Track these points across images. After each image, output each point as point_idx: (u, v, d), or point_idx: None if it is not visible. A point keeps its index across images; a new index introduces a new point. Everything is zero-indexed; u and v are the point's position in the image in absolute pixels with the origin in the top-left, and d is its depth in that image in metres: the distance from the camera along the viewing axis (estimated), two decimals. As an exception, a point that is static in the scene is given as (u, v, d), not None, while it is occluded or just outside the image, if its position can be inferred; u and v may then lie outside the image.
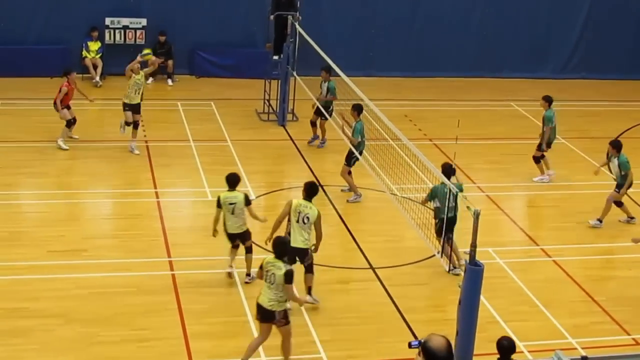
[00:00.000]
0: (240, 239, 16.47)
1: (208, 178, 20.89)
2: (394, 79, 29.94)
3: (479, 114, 26.94)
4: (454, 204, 16.34)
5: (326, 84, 23.00)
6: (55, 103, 22.23)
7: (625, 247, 19.10)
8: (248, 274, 16.53)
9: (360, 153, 19.88)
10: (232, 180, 16.30)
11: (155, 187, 20.44)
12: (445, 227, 16.11)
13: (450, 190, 15.15)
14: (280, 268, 13.34)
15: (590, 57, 31.86)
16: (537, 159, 22.60)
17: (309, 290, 15.87)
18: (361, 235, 18.82)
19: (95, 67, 27.59)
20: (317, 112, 23.24)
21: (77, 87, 22.62)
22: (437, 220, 17.36)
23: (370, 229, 19.23)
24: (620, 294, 17.26)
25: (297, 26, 24.57)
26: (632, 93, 30.47)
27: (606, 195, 20.23)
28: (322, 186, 20.92)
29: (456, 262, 17.17)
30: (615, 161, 20.11)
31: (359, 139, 19.69)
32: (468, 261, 12.75)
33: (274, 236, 14.48)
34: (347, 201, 20.26)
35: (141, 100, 22.26)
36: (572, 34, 31.86)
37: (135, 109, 22.11)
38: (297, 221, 15.39)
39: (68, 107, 22.37)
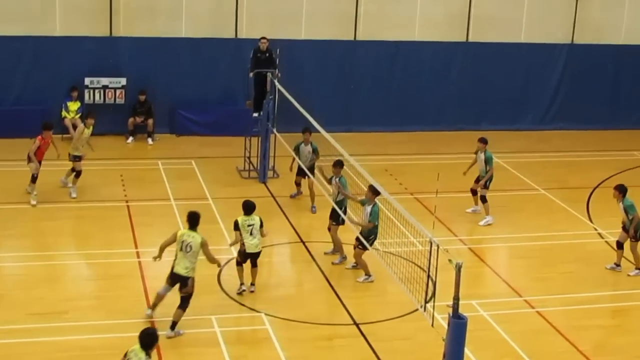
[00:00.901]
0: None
1: (189, 236, 20.80)
2: (374, 133, 30.06)
3: (459, 167, 26.92)
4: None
5: (309, 145, 22.99)
6: (28, 155, 22.43)
7: (608, 295, 19.13)
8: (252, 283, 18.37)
9: (345, 209, 19.93)
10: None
11: (137, 247, 20.36)
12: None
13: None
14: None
15: (568, 108, 32.12)
16: (484, 198, 23.07)
17: (173, 325, 16.39)
18: (344, 291, 18.76)
19: (75, 127, 27.48)
20: (300, 173, 23.23)
21: (52, 143, 22.74)
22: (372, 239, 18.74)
23: (353, 284, 19.17)
24: (604, 342, 17.26)
25: (277, 83, 24.68)
26: (611, 143, 30.65)
27: (590, 244, 20.30)
28: (304, 242, 20.94)
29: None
30: (620, 205, 20.27)
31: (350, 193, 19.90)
32: (451, 314, 12.73)
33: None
34: (333, 263, 20.07)
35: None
36: (550, 85, 32.14)
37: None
38: (181, 249, 16.45)
39: (39, 163, 22.46)
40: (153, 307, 17.05)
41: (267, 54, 26.27)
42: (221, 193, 23.91)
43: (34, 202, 22.33)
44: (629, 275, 20.15)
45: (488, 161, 23.08)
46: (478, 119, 31.26)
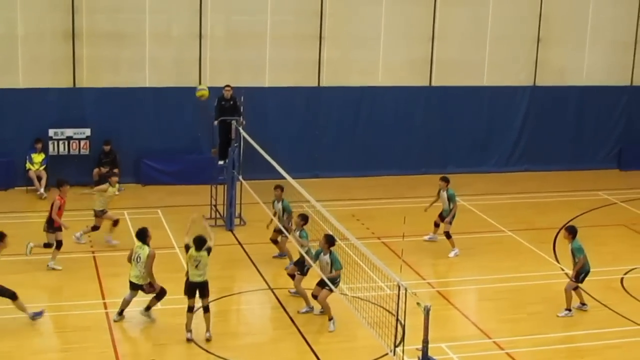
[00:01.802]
0: None
1: (157, 286, 20.70)
2: (340, 179, 30.14)
3: (421, 210, 27.04)
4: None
5: (280, 203, 22.79)
6: (48, 222, 21.76)
7: (577, 335, 19.17)
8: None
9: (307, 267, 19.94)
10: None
11: (104, 298, 20.21)
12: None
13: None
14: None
15: (533, 149, 32.39)
16: (448, 234, 23.53)
17: (147, 307, 18.99)
18: (314, 337, 18.69)
19: (39, 179, 27.47)
20: (278, 230, 22.97)
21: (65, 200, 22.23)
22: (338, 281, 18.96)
23: (322, 331, 19.10)
24: (574, 383, 17.31)
25: (242, 130, 24.71)
26: (576, 183, 30.88)
27: (558, 284, 20.33)
28: (272, 289, 20.85)
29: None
30: (569, 247, 20.32)
31: (309, 248, 19.80)
32: (421, 357, 12.71)
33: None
34: (298, 312, 19.97)
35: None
36: (514, 127, 32.41)
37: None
38: (132, 259, 18.72)
39: (59, 228, 21.85)
40: (120, 312, 19.00)
41: (232, 102, 26.33)
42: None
43: (59, 267, 21.95)
44: (558, 316, 20.09)
45: (451, 198, 23.78)
46: (444, 162, 31.42)
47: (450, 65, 31.38)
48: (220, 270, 21.82)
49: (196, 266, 18.01)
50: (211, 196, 25.74)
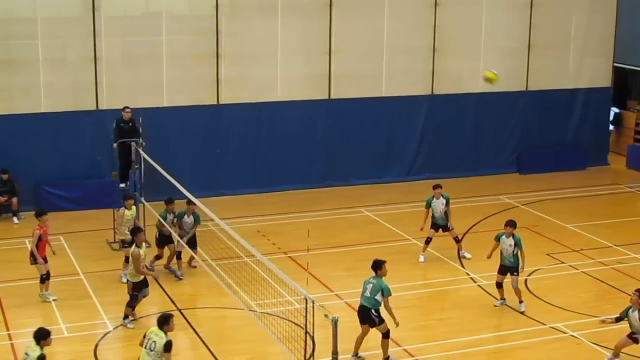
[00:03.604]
0: None
1: (62, 314, 20.37)
2: (244, 196, 30.01)
3: (330, 223, 27.17)
4: None
5: (191, 216, 22.63)
6: (31, 254, 21.23)
7: (486, 338, 19.38)
8: None
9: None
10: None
11: (8, 329, 19.79)
12: None
13: None
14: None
15: (434, 158, 32.68)
16: (457, 239, 24.51)
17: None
18: (225, 356, 18.57)
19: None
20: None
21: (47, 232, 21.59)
22: None
23: (233, 349, 18.98)
24: (485, 386, 17.49)
25: (142, 152, 24.49)
26: (477, 189, 31.23)
27: (465, 289, 20.52)
28: (181, 311, 20.66)
29: None
30: (509, 241, 20.89)
31: None
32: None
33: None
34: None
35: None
36: (414, 136, 32.67)
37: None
38: (145, 346, 15.41)
39: (44, 259, 21.30)
40: None
41: (131, 124, 26.12)
42: (92, 267, 23.49)
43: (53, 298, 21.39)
44: (522, 312, 20.47)
45: (447, 202, 24.33)
46: (346, 175, 31.56)
47: (348, 78, 31.52)
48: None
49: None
50: (114, 220, 25.40)
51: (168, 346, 15.18)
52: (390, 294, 17.89)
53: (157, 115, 28.42)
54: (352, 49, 31.44)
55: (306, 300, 15.02)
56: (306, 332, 16.58)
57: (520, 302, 20.93)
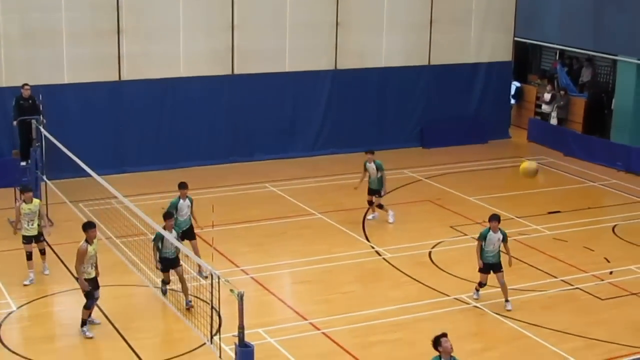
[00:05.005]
0: None
1: (-36, 295, 20.10)
2: (148, 173, 29.77)
3: (235, 199, 27.14)
4: None
5: (186, 199, 21.51)
6: None
7: (389, 311, 19.61)
8: None
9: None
10: None
11: None
12: None
13: None
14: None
15: (337, 133, 32.82)
16: (381, 205, 25.28)
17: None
18: (131, 333, 18.46)
19: None
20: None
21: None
22: None
23: (139, 326, 18.88)
24: (388, 356, 17.70)
25: (43, 130, 24.14)
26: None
27: (370, 262, 20.71)
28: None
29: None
30: (496, 235, 19.84)
31: None
32: (238, 343, 12.76)
33: None
34: None
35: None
36: (318, 111, 32.78)
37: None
38: None
39: None
40: None
41: (30, 101, 25.72)
42: (-7, 247, 23.17)
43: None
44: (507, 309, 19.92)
45: (379, 168, 25.11)
46: (251, 150, 31.56)
47: (251, 53, 31.43)
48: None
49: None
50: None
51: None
52: None
53: (57, 92, 28.05)
54: (254, 24, 31.35)
55: (212, 275, 15.03)
56: (212, 307, 16.56)
57: (507, 300, 20.01)
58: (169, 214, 19.58)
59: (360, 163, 25.47)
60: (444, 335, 13.80)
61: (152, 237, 19.41)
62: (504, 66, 35.85)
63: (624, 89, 33.20)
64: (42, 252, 21.50)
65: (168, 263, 19.04)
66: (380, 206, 25.29)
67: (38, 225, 21.05)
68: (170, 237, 17.87)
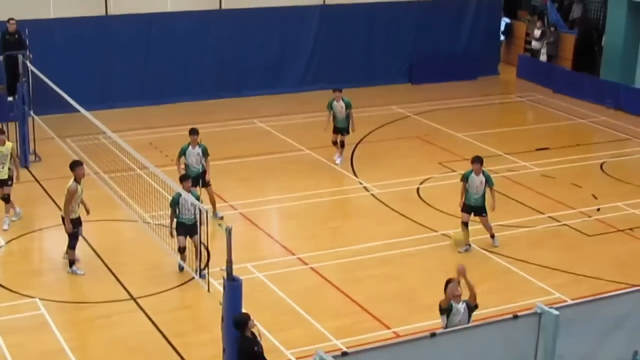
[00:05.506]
0: None
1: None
2: (136, 108, 29.66)
3: (223, 134, 27.08)
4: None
5: (197, 147, 20.87)
6: None
7: (376, 246, 19.69)
8: None
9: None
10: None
11: None
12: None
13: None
14: None
15: (326, 68, 32.63)
16: (342, 143, 24.92)
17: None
18: (119, 267, 18.54)
19: None
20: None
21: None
22: None
23: (127, 261, 18.96)
24: (375, 291, 17.81)
25: (29, 64, 23.98)
26: (369, 99, 31.29)
27: (357, 198, 20.74)
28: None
29: None
30: (478, 178, 19.42)
31: None
32: (226, 277, 12.82)
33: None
34: None
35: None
36: (306, 47, 32.60)
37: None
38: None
39: None
40: None
41: (16, 36, 25.55)
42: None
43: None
44: (459, 252, 19.59)
45: (348, 106, 24.58)
46: (238, 86, 31.43)
47: (239, -12, 31.24)
48: (19, 208, 21.25)
49: None
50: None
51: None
52: None
53: (43, 27, 27.82)
54: (242, -43, 31.09)
55: (200, 211, 15.06)
56: (200, 242, 16.65)
57: (492, 237, 19.88)
58: (185, 176, 18.68)
59: (350, 99, 25.20)
60: (450, 280, 13.88)
61: (141, 172, 19.38)
62: (494, 2, 35.68)
63: (614, 26, 33.03)
64: (7, 200, 20.50)
65: (185, 228, 18.03)
66: (343, 144, 24.88)
67: (9, 169, 20.36)
68: (190, 197, 16.78)
